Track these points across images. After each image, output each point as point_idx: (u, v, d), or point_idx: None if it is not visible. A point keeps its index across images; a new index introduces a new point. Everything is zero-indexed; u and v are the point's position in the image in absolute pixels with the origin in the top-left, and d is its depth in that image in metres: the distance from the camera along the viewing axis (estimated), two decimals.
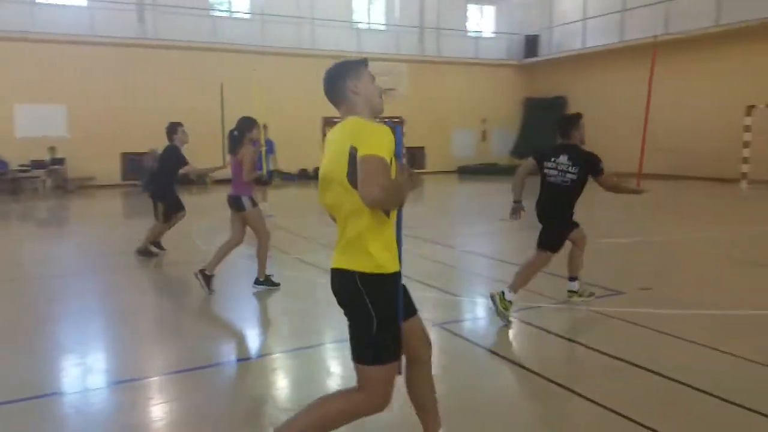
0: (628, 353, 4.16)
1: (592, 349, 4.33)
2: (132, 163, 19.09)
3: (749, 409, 3.27)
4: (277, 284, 6.10)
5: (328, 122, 22.01)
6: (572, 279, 5.46)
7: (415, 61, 23.55)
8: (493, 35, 26.22)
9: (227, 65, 19.83)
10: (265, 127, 11.48)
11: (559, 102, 24.48)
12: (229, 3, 21.52)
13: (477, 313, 5.50)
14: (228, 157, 6.16)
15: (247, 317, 5.54)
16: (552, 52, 24.75)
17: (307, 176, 21.80)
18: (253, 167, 5.88)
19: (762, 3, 17.04)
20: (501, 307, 4.86)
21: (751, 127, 16.00)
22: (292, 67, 21.10)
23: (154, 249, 7.93)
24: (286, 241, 8.56)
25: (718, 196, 15.17)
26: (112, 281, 6.79)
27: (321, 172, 2.49)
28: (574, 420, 3.31)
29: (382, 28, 23.89)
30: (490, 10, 26.16)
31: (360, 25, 23.37)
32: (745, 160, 16.12)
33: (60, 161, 17.86)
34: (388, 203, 2.29)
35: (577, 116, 5.30)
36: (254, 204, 5.96)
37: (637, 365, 3.94)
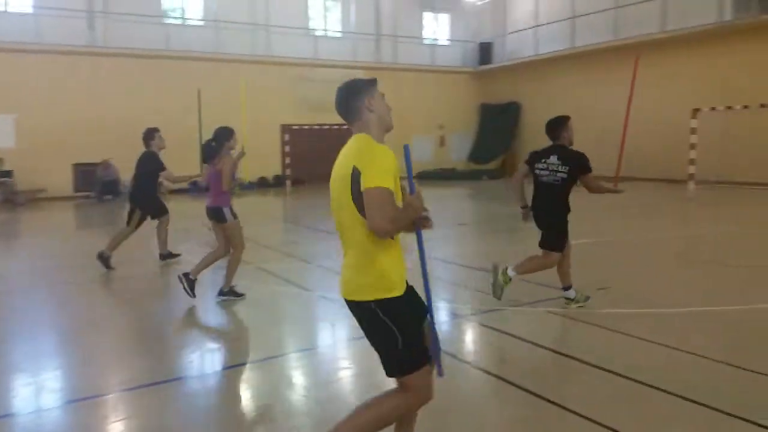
0: (584, 353, 4.27)
1: (548, 349, 4.43)
2: (84, 174, 18.53)
3: (702, 405, 3.38)
4: (242, 295, 6.02)
5: (287, 129, 21.90)
6: (566, 288, 5.48)
7: (372, 69, 23.63)
8: (448, 43, 26.56)
9: (181, 73, 19.54)
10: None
11: (514, 107, 24.97)
12: (183, 10, 21.20)
13: (436, 318, 5.55)
14: (204, 167, 6.13)
15: (209, 329, 5.47)
16: (505, 58, 25.22)
17: (267, 184, 21.62)
18: (231, 177, 5.88)
19: (704, 11, 17.78)
20: (501, 279, 5.23)
21: (696, 129, 16.63)
22: (248, 74, 20.91)
23: (172, 254, 7.97)
24: (247, 250, 8.44)
25: (667, 197, 15.70)
26: (65, 295, 6.60)
27: (332, 193, 2.60)
28: (532, 421, 3.37)
29: (339, 35, 23.93)
30: (444, 18, 26.51)
31: (317, 32, 23.35)
32: (692, 162, 16.74)
33: (8, 173, 17.22)
34: (396, 232, 2.46)
35: (565, 118, 5.50)
36: (234, 216, 5.97)
37: (592, 365, 4.04)
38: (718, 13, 17.60)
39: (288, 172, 21.70)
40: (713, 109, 16.59)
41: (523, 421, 3.36)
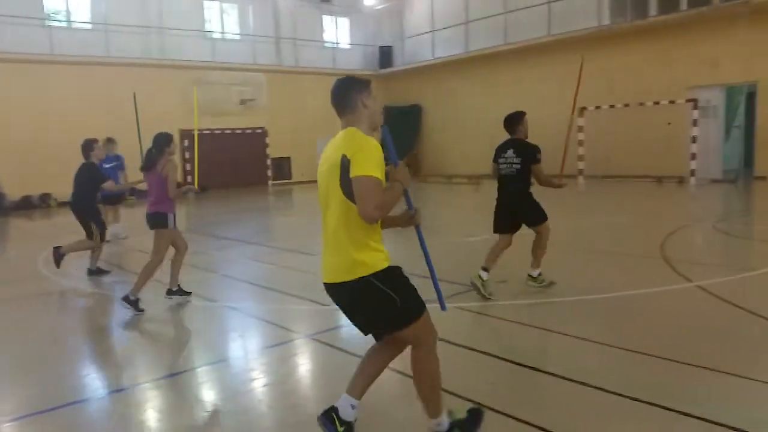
0: (485, 344, 4.48)
1: (452, 343, 4.60)
2: None
3: (605, 390, 3.62)
4: (141, 310, 5.79)
5: (186, 135, 21.17)
6: (485, 269, 5.82)
7: (273, 71, 23.40)
8: (348, 46, 26.74)
9: (67, 78, 18.44)
10: (110, 140, 10.84)
11: (416, 109, 25.56)
12: (68, 12, 19.96)
13: (347, 321, 5.59)
14: (143, 175, 6.06)
15: (106, 348, 5.21)
16: (405, 62, 25.76)
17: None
18: (175, 183, 5.84)
19: (586, 16, 19.04)
20: (537, 283, 5.94)
21: (583, 127, 17.78)
22: (141, 78, 20.07)
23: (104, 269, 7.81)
24: (143, 262, 8.12)
25: (560, 191, 16.63)
26: None
27: (320, 184, 2.82)
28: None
29: (237, 37, 23.45)
30: (344, 22, 26.66)
31: (214, 35, 22.74)
32: (580, 158, 17.88)
33: None
34: (384, 215, 2.66)
35: (521, 114, 5.99)
36: (176, 224, 5.98)
37: (493, 355, 4.25)
38: (598, 18, 18.90)
39: (189, 179, 21.00)
40: (598, 107, 17.81)
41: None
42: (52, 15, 19.67)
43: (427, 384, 2.86)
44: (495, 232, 6.03)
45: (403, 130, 25.69)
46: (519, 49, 20.94)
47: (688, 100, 16.37)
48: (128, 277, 7.79)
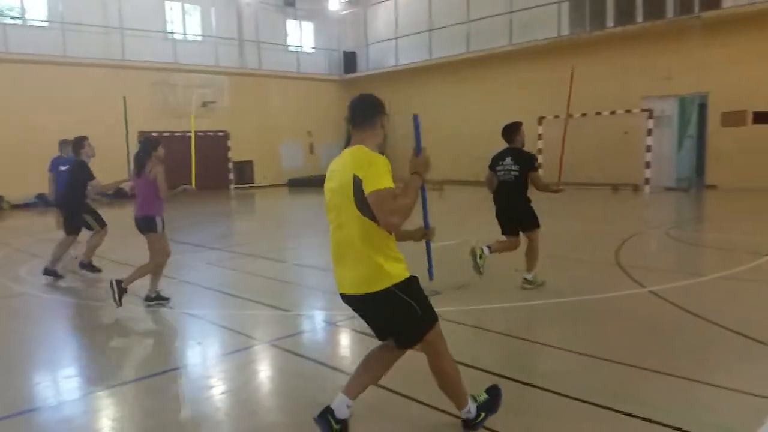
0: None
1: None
2: None
3: (561, 394, 3.72)
4: (167, 298, 6.10)
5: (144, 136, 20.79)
6: (484, 253, 6.29)
7: (236, 74, 23.18)
8: (312, 50, 26.69)
9: (22, 77, 17.92)
10: (65, 142, 10.57)
11: None
12: (22, 9, 19.39)
13: (308, 326, 5.59)
14: (133, 177, 6.12)
15: (58, 356, 5.06)
16: (369, 68, 25.84)
17: (125, 195, 20.33)
18: (165, 185, 5.92)
19: (546, 26, 19.46)
20: (533, 285, 6.15)
21: (542, 135, 18.14)
22: (99, 78, 19.66)
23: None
24: (105, 268, 7.94)
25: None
26: None
27: (328, 199, 2.99)
28: (402, 421, 3.52)
29: (199, 39, 23.16)
30: (308, 26, 26.61)
31: (176, 36, 22.40)
32: (540, 166, 18.19)
33: None
34: (405, 218, 2.79)
35: (518, 124, 6.38)
36: (164, 227, 6.02)
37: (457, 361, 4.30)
38: (558, 29, 19.33)
39: None
40: (557, 117, 18.19)
41: (397, 420, 3.50)
42: (5, 11, 19.10)
43: (450, 384, 3.09)
44: (503, 234, 6.46)
45: None
46: (482, 57, 21.26)
47: (643, 110, 16.87)
48: (85, 282, 7.61)
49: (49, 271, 7.50)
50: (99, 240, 7.79)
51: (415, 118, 3.09)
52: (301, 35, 26.26)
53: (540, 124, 18.28)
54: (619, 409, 3.39)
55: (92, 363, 4.84)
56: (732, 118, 16.47)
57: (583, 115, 17.62)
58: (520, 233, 6.39)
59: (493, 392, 3.28)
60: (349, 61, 26.54)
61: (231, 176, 23.76)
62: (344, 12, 26.73)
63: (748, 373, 3.93)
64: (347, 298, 3.01)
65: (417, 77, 23.65)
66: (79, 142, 7.58)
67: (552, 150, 18.15)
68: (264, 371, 4.47)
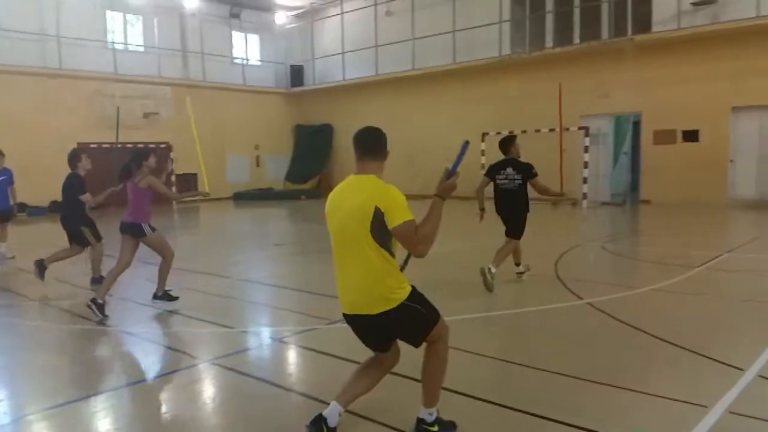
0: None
1: (351, 361, 4.63)
2: None
3: (494, 403, 3.80)
4: (176, 298, 6.44)
5: (84, 149, 20.09)
6: (517, 264, 7.51)
7: (180, 85, 22.77)
8: (259, 63, 26.52)
9: None
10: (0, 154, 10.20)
11: (327, 129, 25.68)
12: None
13: (253, 343, 5.52)
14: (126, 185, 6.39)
15: None
16: (317, 82, 25.87)
17: (60, 209, 19.59)
18: (167, 190, 6.68)
19: (488, 45, 20.00)
20: (490, 278, 6.62)
21: (485, 151, 18.57)
22: (35, 88, 18.95)
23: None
24: (35, 286, 7.62)
25: (464, 213, 17.24)
26: None
27: (339, 226, 3.14)
28: None
29: (141, 49, 22.64)
30: (254, 39, 26.44)
31: (117, 46, 21.82)
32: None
33: None
34: (431, 243, 3.05)
35: (513, 137, 7.35)
36: (154, 229, 6.40)
37: (393, 372, 4.33)
38: (499, 48, 19.90)
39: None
40: (498, 133, 18.67)
41: None
42: None
43: (440, 374, 3.28)
44: (507, 236, 7.31)
45: (313, 149, 25.71)
46: (426, 75, 21.64)
47: (580, 128, 17.52)
48: (18, 299, 7.28)
49: (95, 280, 7.60)
50: (99, 253, 7.79)
51: (465, 145, 3.29)
52: (246, 48, 26.04)
53: (483, 140, 18.71)
54: (555, 418, 3.50)
55: (25, 385, 4.62)
56: (663, 136, 17.33)
57: (524, 132, 18.15)
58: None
59: (451, 426, 3.39)
60: (296, 74, 26.50)
61: (174, 189, 23.20)
62: (291, 26, 26.72)
63: (678, 381, 4.14)
64: (355, 319, 3.20)
65: (363, 92, 23.83)
66: (77, 155, 7.53)
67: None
68: (207, 391, 4.38)
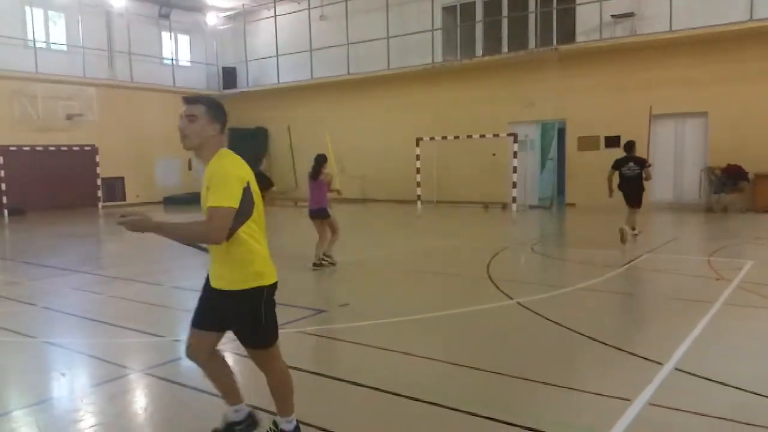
0: (328, 367, 4.59)
1: (301, 370, 4.65)
2: None
3: (427, 402, 3.89)
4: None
5: (4, 151, 19.02)
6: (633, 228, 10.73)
7: (105, 86, 21.95)
8: (189, 64, 25.88)
9: None
10: None
11: (262, 132, 25.31)
12: None
13: (185, 353, 5.40)
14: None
15: None
16: (250, 85, 25.48)
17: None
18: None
19: (421, 52, 20.32)
20: (628, 234, 10.45)
21: (420, 156, 18.88)
22: None
23: None
24: None
25: (403, 216, 17.46)
26: None
27: (259, 198, 3.27)
28: None
29: (64, 48, 21.65)
30: (184, 39, 25.79)
31: (38, 44, 20.76)
32: (418, 185, 18.94)
33: None
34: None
35: (633, 142, 10.64)
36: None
37: (336, 378, 4.37)
38: (432, 56, 20.27)
39: (5, 200, 18.89)
40: (432, 138, 19.03)
41: None
42: None
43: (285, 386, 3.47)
44: (627, 204, 10.60)
45: (247, 153, 25.19)
46: (361, 80, 21.74)
47: (509, 134, 18.09)
48: None
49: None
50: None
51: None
52: (176, 48, 25.34)
53: (417, 145, 19.01)
54: (486, 415, 3.63)
55: None
56: (587, 143, 18.13)
57: (456, 137, 18.57)
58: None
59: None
60: (229, 76, 26.01)
61: (99, 194, 22.31)
62: (223, 27, 26.23)
63: (602, 377, 4.37)
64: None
65: (298, 95, 23.67)
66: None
67: (426, 170, 19.00)
68: (137, 402, 4.26)
